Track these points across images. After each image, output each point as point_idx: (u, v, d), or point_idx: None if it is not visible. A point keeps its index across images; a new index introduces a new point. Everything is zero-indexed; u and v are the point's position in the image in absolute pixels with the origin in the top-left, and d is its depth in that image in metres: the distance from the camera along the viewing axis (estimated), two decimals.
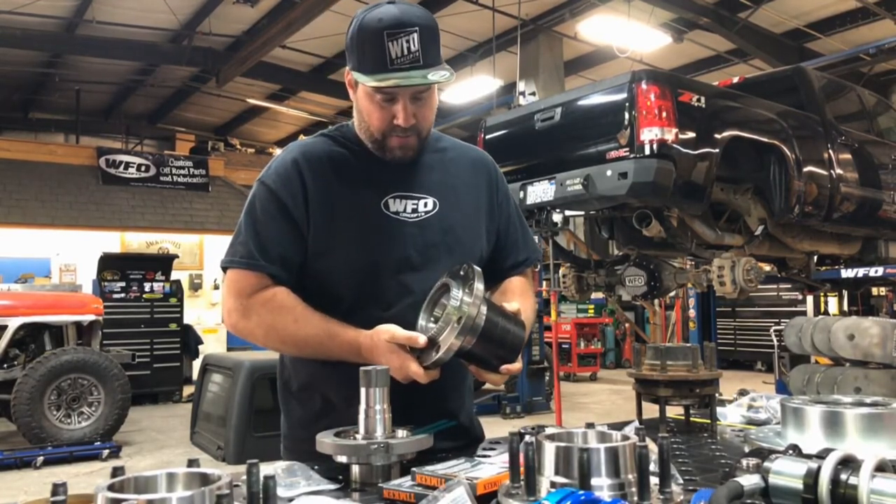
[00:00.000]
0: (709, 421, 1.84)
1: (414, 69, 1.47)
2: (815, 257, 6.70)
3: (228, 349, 11.05)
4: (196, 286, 13.69)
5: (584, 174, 5.04)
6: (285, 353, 1.69)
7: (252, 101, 16.66)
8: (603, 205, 5.42)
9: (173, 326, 10.48)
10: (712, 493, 0.95)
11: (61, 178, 13.61)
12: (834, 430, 1.23)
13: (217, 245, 13.22)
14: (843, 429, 1.22)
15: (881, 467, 0.92)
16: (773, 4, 11.39)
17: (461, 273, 1.40)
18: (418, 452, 1.30)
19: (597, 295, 9.33)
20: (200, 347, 11.19)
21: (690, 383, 1.82)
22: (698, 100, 4.98)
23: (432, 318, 1.45)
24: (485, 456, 1.36)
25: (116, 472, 0.95)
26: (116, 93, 17.00)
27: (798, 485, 0.95)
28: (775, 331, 8.29)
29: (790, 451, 1.01)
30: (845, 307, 7.73)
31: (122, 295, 10.17)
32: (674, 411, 1.97)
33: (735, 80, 6.94)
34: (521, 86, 12.12)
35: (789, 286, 10.49)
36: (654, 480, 0.99)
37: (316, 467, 1.30)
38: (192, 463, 0.99)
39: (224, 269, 1.62)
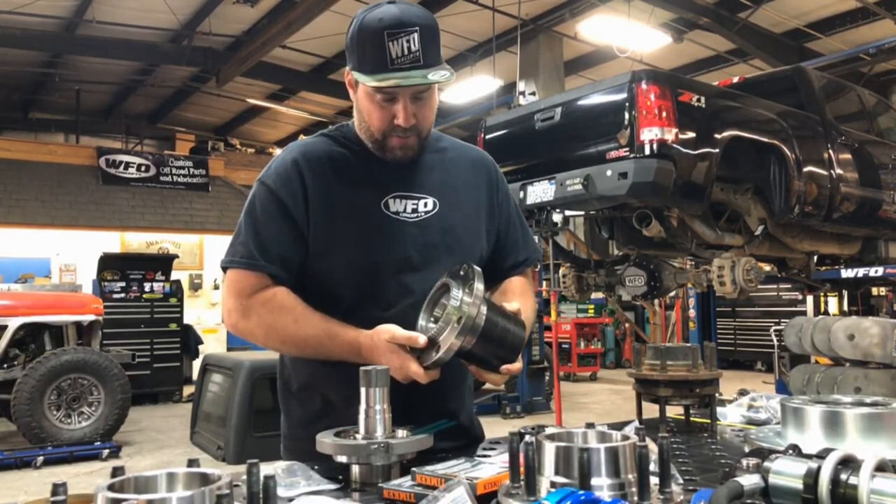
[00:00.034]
0: (709, 421, 1.84)
1: (414, 69, 1.47)
2: (815, 257, 6.70)
3: (228, 349, 11.05)
4: (196, 286, 13.69)
5: (584, 174, 5.04)
6: (285, 353, 1.69)
7: (252, 101, 16.66)
8: (603, 205, 5.42)
9: (173, 326, 10.48)
10: (712, 493, 0.95)
11: (61, 178, 13.61)
12: (834, 430, 1.23)
13: (217, 245, 13.22)
14: (843, 429, 1.22)
15: (881, 467, 0.92)
16: (773, 4, 11.39)
17: (461, 273, 1.40)
18: (418, 452, 1.30)
19: (597, 295, 9.32)
20: (200, 347, 11.19)
21: (690, 383, 1.82)
22: (698, 100, 4.98)
23: (432, 318, 1.45)
24: (485, 456, 1.35)
25: (116, 472, 0.95)
26: (116, 93, 17.00)
27: (798, 485, 0.95)
28: (775, 331, 8.29)
29: (790, 451, 1.01)
30: (845, 307, 7.73)
31: (122, 295, 10.17)
32: (674, 411, 1.97)
33: (735, 80, 6.95)
34: (521, 86, 12.12)
35: (789, 286, 10.49)
36: (654, 480, 0.99)
37: (316, 467, 1.29)
38: (192, 463, 0.99)
39: (224, 269, 1.62)
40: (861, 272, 6.35)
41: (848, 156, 6.09)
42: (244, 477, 0.95)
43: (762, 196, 5.51)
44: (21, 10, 11.33)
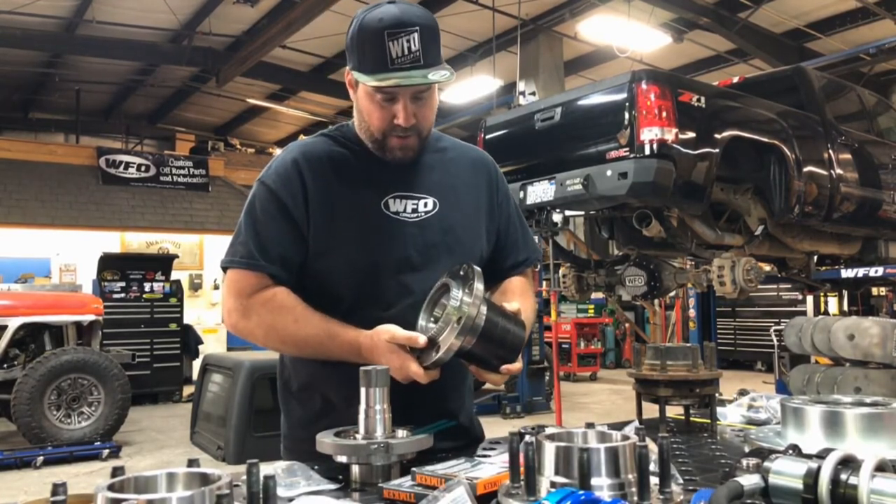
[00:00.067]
0: (709, 421, 1.84)
1: (414, 69, 1.47)
2: (815, 257, 6.70)
3: (228, 349, 11.05)
4: (196, 286, 13.69)
5: (584, 174, 5.04)
6: (285, 353, 1.69)
7: (252, 101, 16.66)
8: (603, 205, 5.42)
9: (173, 326, 10.49)
10: (712, 493, 0.95)
11: (61, 178, 13.61)
12: (834, 430, 1.23)
13: (217, 245, 13.22)
14: (843, 429, 1.22)
15: (881, 467, 0.92)
16: (773, 4, 11.39)
17: (461, 273, 1.40)
18: (418, 452, 1.30)
19: (597, 295, 9.33)
20: (200, 347, 11.19)
21: (690, 383, 1.82)
22: (698, 100, 4.98)
23: (432, 318, 1.45)
24: (485, 456, 1.35)
25: (116, 472, 0.95)
26: (116, 93, 17.00)
27: (798, 485, 0.95)
28: (775, 331, 8.29)
29: (790, 451, 1.01)
30: (845, 307, 7.73)
31: (122, 295, 10.17)
32: (674, 411, 1.97)
33: (735, 80, 6.95)
34: (521, 86, 12.12)
35: (789, 286, 10.49)
36: (654, 480, 0.99)
37: (316, 467, 1.29)
38: (192, 463, 0.99)
39: (224, 269, 1.62)
40: (861, 272, 6.35)
41: (848, 156, 6.09)
42: (244, 477, 0.95)
43: (762, 196, 5.51)
44: (21, 10, 11.33)
